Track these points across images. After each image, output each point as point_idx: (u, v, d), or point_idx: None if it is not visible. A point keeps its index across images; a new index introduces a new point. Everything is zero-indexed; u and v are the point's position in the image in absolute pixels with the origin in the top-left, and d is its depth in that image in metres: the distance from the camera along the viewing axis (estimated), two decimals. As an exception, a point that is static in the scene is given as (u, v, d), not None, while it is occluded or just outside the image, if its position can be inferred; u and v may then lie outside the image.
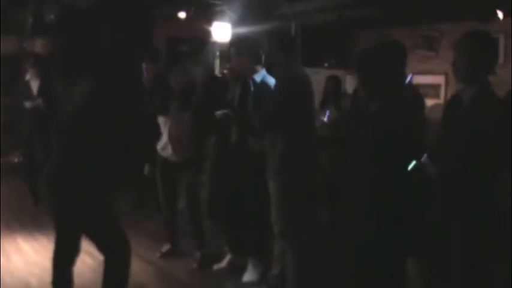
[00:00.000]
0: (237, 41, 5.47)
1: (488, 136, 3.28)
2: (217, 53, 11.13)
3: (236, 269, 5.63)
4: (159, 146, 5.99)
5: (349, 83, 9.85)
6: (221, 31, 9.96)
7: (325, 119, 7.75)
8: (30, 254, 6.22)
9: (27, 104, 8.19)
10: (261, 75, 5.06)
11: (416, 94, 4.85)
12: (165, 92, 5.99)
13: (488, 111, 3.34)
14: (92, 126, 4.17)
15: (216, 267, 5.76)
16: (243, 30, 9.33)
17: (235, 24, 9.79)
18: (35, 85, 8.31)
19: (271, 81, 5.03)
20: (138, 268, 5.76)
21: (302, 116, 4.73)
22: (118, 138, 4.32)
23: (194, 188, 5.95)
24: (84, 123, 4.21)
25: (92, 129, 4.16)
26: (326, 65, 11.00)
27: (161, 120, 5.96)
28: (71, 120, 4.24)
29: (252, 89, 5.02)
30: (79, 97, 4.35)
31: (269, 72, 5.16)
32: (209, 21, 10.17)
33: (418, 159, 3.34)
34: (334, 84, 8.19)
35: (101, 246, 4.26)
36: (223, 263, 5.77)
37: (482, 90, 3.43)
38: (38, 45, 12.68)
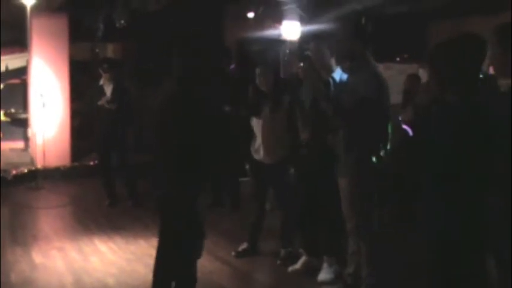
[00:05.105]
0: (317, 39, 5.38)
1: None
2: (287, 52, 11.06)
3: (311, 270, 5.52)
4: (253, 148, 5.96)
5: (423, 78, 9.59)
6: (290, 29, 9.89)
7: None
8: (107, 254, 6.29)
9: (100, 102, 8.27)
10: (339, 73, 4.98)
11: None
12: (254, 92, 5.98)
13: None
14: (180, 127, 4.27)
15: (290, 269, 5.68)
16: (312, 27, 9.23)
17: (305, 22, 9.71)
18: (108, 90, 8.41)
19: (344, 78, 4.96)
20: (213, 267, 5.76)
21: (381, 113, 4.64)
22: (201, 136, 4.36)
23: (285, 189, 5.91)
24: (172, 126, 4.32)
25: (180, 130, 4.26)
26: (398, 59, 10.76)
27: (254, 121, 5.94)
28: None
29: (332, 88, 4.92)
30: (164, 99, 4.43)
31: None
32: (278, 20, 10.12)
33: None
34: (414, 82, 8.18)
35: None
36: (298, 265, 5.68)
37: None
38: (110, 51, 12.96)
